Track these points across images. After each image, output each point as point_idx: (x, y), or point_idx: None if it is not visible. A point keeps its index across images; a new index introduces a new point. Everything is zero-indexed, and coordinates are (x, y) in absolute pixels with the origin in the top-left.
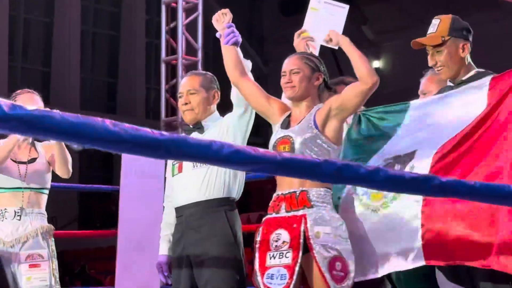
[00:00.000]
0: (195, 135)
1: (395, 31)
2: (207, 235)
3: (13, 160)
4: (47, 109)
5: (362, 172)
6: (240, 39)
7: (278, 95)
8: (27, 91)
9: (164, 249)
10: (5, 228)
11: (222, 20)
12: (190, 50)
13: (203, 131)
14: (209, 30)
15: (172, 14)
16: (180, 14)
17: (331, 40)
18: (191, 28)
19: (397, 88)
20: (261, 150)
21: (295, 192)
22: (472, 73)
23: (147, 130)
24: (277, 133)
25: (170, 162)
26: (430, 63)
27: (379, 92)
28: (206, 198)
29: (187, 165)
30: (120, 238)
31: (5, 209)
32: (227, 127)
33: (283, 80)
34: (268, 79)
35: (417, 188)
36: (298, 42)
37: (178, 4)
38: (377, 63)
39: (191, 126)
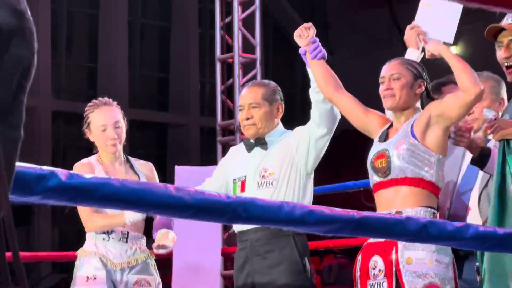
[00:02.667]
0: (257, 151)
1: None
2: (275, 262)
3: None
4: (106, 176)
5: (449, 229)
6: (325, 54)
7: (347, 89)
8: (103, 102)
9: None
10: (112, 249)
11: (306, 35)
12: (247, 47)
13: (267, 148)
14: (268, 25)
15: (227, 8)
16: (236, 8)
17: (432, 55)
18: (248, 23)
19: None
20: (337, 209)
21: (389, 213)
22: None
23: (212, 194)
24: (374, 147)
25: (231, 177)
26: (503, 55)
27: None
28: None
29: (251, 184)
30: (175, 261)
31: (112, 230)
32: (297, 145)
33: (382, 88)
34: (335, 70)
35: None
36: (409, 35)
37: None
38: (454, 49)
39: (253, 141)
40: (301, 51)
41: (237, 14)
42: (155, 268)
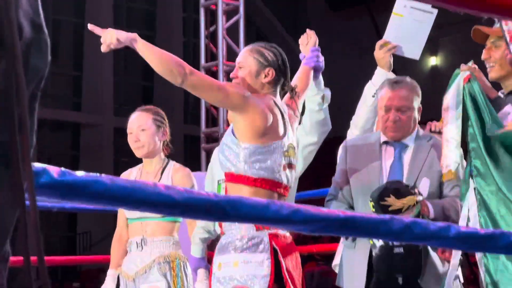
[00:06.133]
0: None
1: (454, 24)
2: None
3: None
4: (96, 174)
5: (432, 229)
6: (322, 65)
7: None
8: (140, 109)
9: (200, 252)
10: (128, 260)
11: (306, 42)
12: (232, 55)
13: None
14: (251, 33)
15: (212, 17)
16: (220, 17)
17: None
18: (232, 32)
19: None
20: (323, 208)
21: None
22: None
23: (201, 193)
24: None
25: (216, 178)
26: (483, 57)
27: (436, 90)
28: None
29: None
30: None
31: (131, 241)
32: None
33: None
34: None
35: (493, 245)
36: (381, 54)
37: (218, 6)
38: (433, 60)
39: None
40: (300, 56)
41: (222, 23)
42: (170, 269)
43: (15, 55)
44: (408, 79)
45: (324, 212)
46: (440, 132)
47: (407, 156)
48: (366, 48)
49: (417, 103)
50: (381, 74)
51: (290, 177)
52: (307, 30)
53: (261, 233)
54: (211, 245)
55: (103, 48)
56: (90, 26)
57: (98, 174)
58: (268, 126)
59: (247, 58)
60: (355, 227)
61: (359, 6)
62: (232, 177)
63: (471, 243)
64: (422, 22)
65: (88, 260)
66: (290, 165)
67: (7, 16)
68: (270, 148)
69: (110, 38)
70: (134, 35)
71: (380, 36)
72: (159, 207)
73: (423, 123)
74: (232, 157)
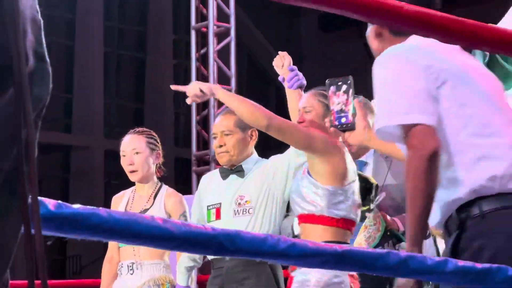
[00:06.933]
0: (233, 178)
1: None
2: None
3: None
4: (93, 207)
5: (429, 263)
6: (304, 82)
7: None
8: (133, 132)
9: (185, 281)
10: (119, 284)
11: (282, 64)
12: (223, 78)
13: (244, 175)
14: (242, 56)
15: (203, 39)
16: (211, 40)
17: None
18: (223, 54)
19: None
20: (320, 243)
21: None
22: None
23: (198, 226)
24: None
25: (205, 204)
26: None
27: None
28: None
29: (226, 212)
30: None
31: (121, 264)
32: (274, 173)
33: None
34: None
35: (490, 280)
36: None
37: (209, 28)
38: None
39: (229, 169)
40: (280, 78)
41: (213, 46)
42: None
43: (23, 84)
44: (361, 97)
45: (321, 246)
46: None
47: (367, 173)
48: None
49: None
50: None
51: (359, 215)
52: (279, 52)
53: (342, 273)
54: (203, 268)
55: (189, 101)
56: (173, 87)
57: (94, 208)
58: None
59: (313, 102)
60: (352, 262)
61: (350, 28)
62: (312, 218)
63: (469, 278)
64: None
65: (78, 284)
66: (359, 205)
67: (17, 46)
68: (349, 189)
69: (193, 89)
70: (216, 86)
71: (372, 58)
72: (156, 240)
73: None
74: (311, 198)
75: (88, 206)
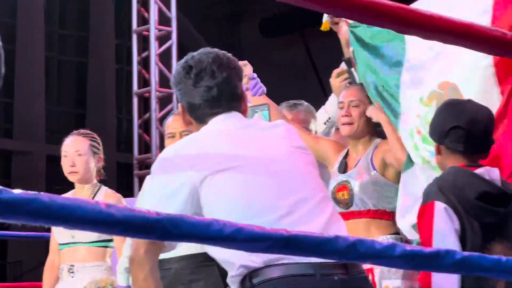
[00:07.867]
0: None
1: None
2: None
3: None
4: (35, 192)
5: (377, 248)
6: (265, 89)
7: None
8: (77, 133)
9: (125, 281)
10: (60, 287)
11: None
12: (164, 81)
13: None
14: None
15: (144, 43)
16: (153, 43)
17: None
18: (164, 58)
19: None
20: (268, 228)
21: None
22: None
23: (142, 211)
24: (334, 178)
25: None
26: None
27: None
28: (196, 252)
29: None
30: None
31: (62, 267)
32: None
33: (340, 113)
34: None
35: (436, 264)
36: (338, 83)
37: (150, 32)
38: None
39: None
40: (243, 88)
41: (154, 49)
42: None
43: None
44: (305, 103)
45: (268, 231)
46: None
47: None
48: (298, 75)
49: (314, 125)
50: (336, 102)
51: None
52: (240, 62)
53: None
54: None
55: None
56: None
57: (36, 193)
58: None
59: (361, 96)
60: (299, 246)
61: (291, 33)
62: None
63: (416, 262)
64: None
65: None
66: None
67: None
68: None
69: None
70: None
71: (314, 64)
72: (100, 225)
73: None
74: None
75: (29, 191)
